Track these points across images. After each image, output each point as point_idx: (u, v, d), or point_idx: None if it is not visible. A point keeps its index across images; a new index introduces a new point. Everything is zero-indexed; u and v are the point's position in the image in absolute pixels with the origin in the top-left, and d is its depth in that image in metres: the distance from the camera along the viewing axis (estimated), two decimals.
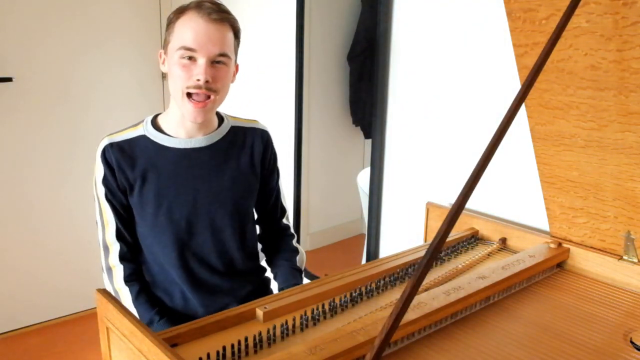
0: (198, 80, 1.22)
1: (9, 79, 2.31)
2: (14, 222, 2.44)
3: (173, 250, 1.31)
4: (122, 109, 2.67)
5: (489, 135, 0.85)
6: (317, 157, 2.20)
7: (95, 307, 1.04)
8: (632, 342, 1.01)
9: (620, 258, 1.24)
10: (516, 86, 1.31)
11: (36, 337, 2.49)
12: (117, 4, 2.56)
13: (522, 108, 1.18)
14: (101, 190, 1.29)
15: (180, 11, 1.25)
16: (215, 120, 1.38)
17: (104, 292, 1.00)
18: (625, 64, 0.98)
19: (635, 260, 1.22)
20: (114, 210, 1.30)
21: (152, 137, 1.32)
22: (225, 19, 1.24)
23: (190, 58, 1.22)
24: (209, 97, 1.25)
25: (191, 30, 1.21)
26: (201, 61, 1.22)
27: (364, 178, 1.91)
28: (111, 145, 1.29)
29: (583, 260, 1.30)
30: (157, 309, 1.30)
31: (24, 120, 2.39)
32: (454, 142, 1.61)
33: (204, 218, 1.33)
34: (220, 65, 1.25)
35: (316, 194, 2.23)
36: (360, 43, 2.00)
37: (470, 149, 1.57)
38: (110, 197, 1.29)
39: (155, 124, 1.34)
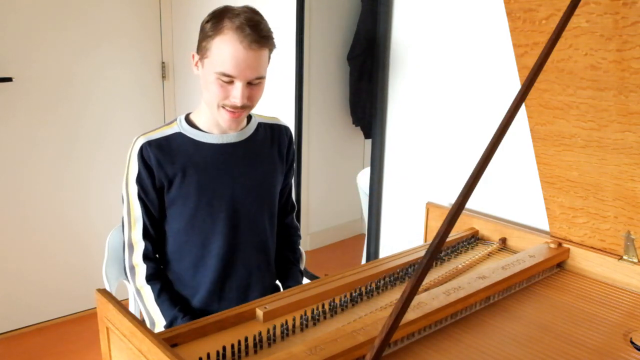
0: (235, 102, 1.25)
1: (9, 79, 2.31)
2: (13, 222, 2.44)
3: (212, 242, 1.35)
4: (122, 109, 2.67)
5: (489, 135, 0.85)
6: (317, 157, 2.20)
7: (95, 307, 1.04)
8: (632, 342, 1.01)
9: (620, 258, 1.24)
10: (516, 86, 1.31)
11: (36, 337, 2.49)
12: (117, 4, 2.56)
13: (522, 108, 1.18)
14: (133, 188, 1.32)
15: (219, 27, 1.22)
16: (245, 118, 1.42)
17: (104, 292, 1.00)
18: (625, 64, 0.98)
19: (635, 260, 1.22)
20: (144, 208, 1.33)
21: (188, 134, 1.35)
22: (264, 45, 1.24)
23: (227, 80, 1.24)
24: (244, 110, 1.30)
25: (231, 57, 1.21)
26: (238, 84, 1.24)
27: (364, 178, 1.91)
28: (149, 143, 1.31)
29: (583, 260, 1.30)
30: (180, 307, 1.32)
31: (24, 120, 2.39)
32: (454, 142, 1.61)
33: (243, 210, 1.37)
34: (256, 85, 1.28)
35: (316, 194, 2.23)
36: (360, 43, 2.00)
37: (470, 149, 1.57)
38: (143, 195, 1.32)
39: (189, 122, 1.37)
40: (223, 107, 1.28)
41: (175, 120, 1.38)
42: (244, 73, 1.23)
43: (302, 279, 1.51)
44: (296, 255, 1.54)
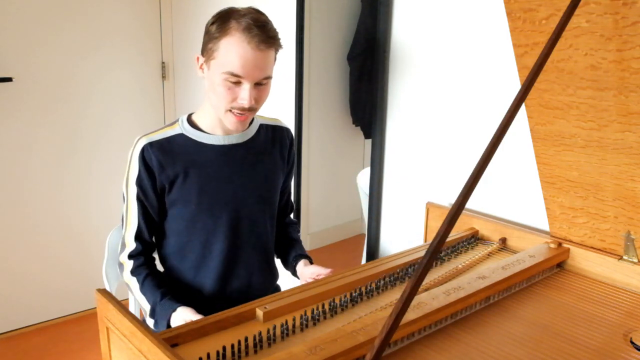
0: (243, 104, 1.25)
1: (9, 79, 2.31)
2: (13, 222, 2.44)
3: (213, 243, 1.35)
4: (122, 109, 2.67)
5: (489, 135, 0.85)
6: (317, 157, 2.20)
7: (95, 307, 1.04)
8: (632, 342, 1.01)
9: (620, 258, 1.24)
10: (516, 86, 1.32)
11: (36, 337, 2.49)
12: (117, 4, 2.56)
13: (522, 108, 1.18)
14: (133, 190, 1.32)
15: (225, 28, 1.22)
16: (251, 118, 1.41)
17: (104, 292, 1.00)
18: (625, 64, 0.98)
19: (635, 260, 1.22)
20: (142, 210, 1.33)
21: (190, 135, 1.35)
22: (272, 45, 1.24)
23: (235, 81, 1.24)
24: (251, 112, 1.30)
25: (238, 57, 1.21)
26: (246, 86, 1.24)
27: (364, 178, 1.91)
28: (150, 144, 1.31)
29: (583, 260, 1.30)
30: (162, 290, 1.30)
31: (24, 120, 2.39)
32: (454, 142, 1.61)
33: (244, 211, 1.37)
34: (263, 86, 1.27)
35: (316, 194, 2.23)
36: (360, 43, 2.00)
37: (470, 149, 1.57)
38: (142, 197, 1.32)
39: (191, 122, 1.37)
40: (230, 111, 1.28)
41: (177, 121, 1.38)
42: (252, 73, 1.22)
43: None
44: (297, 234, 1.55)
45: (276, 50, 1.28)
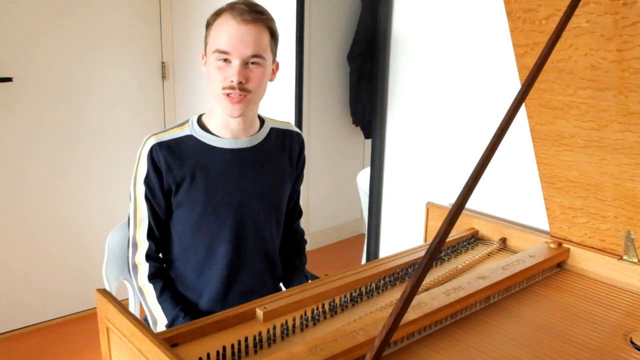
0: (232, 81, 1.25)
1: (9, 79, 2.31)
2: (13, 222, 2.44)
3: (218, 247, 1.34)
4: (121, 109, 2.67)
5: (489, 135, 0.85)
6: (317, 157, 2.20)
7: (95, 307, 1.04)
8: (632, 342, 1.01)
9: (620, 258, 1.24)
10: (516, 86, 1.32)
11: (36, 337, 2.49)
12: (117, 4, 2.56)
13: (522, 108, 1.18)
14: (141, 189, 1.31)
15: (217, 14, 1.27)
16: (257, 122, 1.40)
17: (104, 292, 1.00)
18: (625, 64, 0.98)
19: (635, 260, 1.22)
20: (151, 209, 1.32)
21: (199, 137, 1.34)
22: (258, 19, 1.24)
23: (225, 60, 1.24)
24: (243, 95, 1.27)
25: (225, 33, 1.23)
26: (235, 63, 1.24)
27: (364, 178, 1.91)
28: (159, 144, 1.30)
29: (583, 260, 1.30)
30: (182, 306, 1.32)
31: (24, 120, 2.39)
32: (454, 142, 1.61)
33: (249, 217, 1.36)
34: (254, 66, 1.26)
35: (316, 194, 2.23)
36: (360, 43, 2.00)
37: (470, 149, 1.57)
38: (150, 196, 1.31)
39: (200, 124, 1.36)
40: (223, 94, 1.26)
41: (187, 121, 1.36)
42: (238, 48, 1.23)
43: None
44: (302, 260, 1.53)
45: (270, 32, 1.28)
